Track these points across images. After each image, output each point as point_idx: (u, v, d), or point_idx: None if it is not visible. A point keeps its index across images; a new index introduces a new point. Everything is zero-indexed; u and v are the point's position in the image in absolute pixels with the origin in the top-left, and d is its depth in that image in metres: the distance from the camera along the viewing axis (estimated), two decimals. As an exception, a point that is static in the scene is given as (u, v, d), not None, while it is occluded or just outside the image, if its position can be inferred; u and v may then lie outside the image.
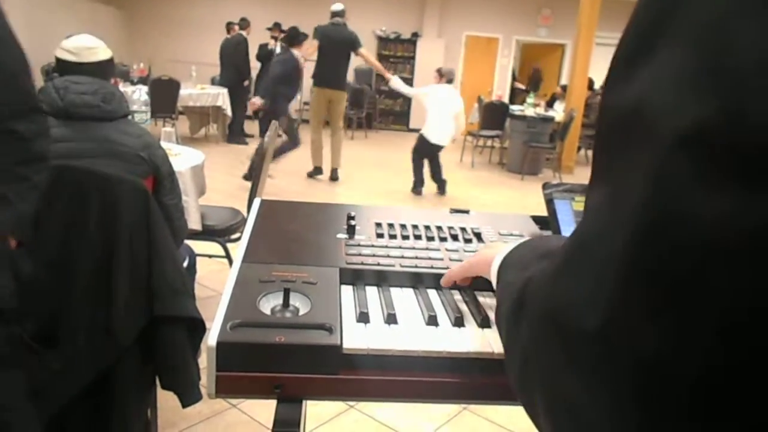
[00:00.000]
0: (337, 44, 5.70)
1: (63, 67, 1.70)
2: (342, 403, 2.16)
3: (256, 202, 0.92)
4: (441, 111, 5.38)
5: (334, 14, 5.84)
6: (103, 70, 1.73)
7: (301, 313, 0.65)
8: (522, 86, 10.01)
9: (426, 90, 5.71)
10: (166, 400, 1.64)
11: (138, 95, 2.91)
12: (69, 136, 1.54)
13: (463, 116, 5.63)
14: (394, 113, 11.40)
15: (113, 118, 1.60)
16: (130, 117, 1.74)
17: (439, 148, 5.51)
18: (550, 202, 0.93)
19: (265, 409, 2.08)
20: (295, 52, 5.62)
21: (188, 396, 1.51)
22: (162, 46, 10.55)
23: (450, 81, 5.58)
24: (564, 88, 8.95)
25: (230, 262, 2.76)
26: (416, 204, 5.49)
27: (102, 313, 1.41)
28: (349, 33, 5.77)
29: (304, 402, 0.64)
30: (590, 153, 7.13)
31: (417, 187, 5.69)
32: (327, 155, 6.13)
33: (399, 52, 11.23)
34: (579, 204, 0.94)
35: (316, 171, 6.15)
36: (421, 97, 5.72)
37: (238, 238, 2.80)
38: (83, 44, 1.71)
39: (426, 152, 5.57)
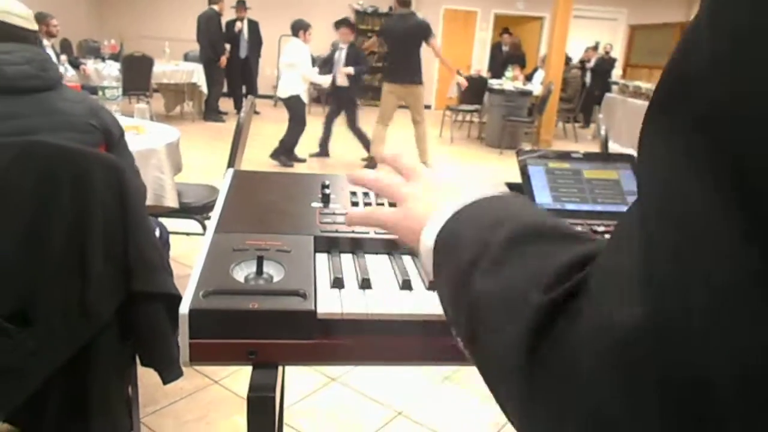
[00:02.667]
0: (404, 36, 5.38)
1: (13, 34, 1.54)
2: (323, 375, 2.18)
3: (229, 172, 0.91)
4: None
5: (401, 3, 5.48)
6: (35, 36, 1.64)
7: (275, 280, 0.65)
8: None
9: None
10: (146, 377, 1.64)
11: (109, 71, 2.83)
12: (14, 112, 1.43)
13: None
14: (373, 89, 11.31)
15: (54, 87, 1.52)
16: (99, 93, 1.68)
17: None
18: (524, 168, 0.93)
19: (246, 384, 2.09)
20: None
21: (169, 373, 1.51)
22: (134, 22, 10.28)
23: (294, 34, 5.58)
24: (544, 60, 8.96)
25: (208, 239, 2.74)
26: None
27: (77, 290, 1.39)
28: (419, 22, 5.44)
29: (281, 369, 0.64)
30: (567, 126, 7.19)
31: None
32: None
33: (376, 26, 11.09)
34: (552, 169, 0.94)
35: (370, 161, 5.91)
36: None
37: (216, 216, 2.78)
38: (27, 10, 1.60)
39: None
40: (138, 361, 1.55)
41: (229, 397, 2.05)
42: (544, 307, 0.31)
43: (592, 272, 0.29)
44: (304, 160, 5.76)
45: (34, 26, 1.61)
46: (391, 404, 2.09)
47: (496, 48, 10.16)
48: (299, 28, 5.48)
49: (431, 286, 0.51)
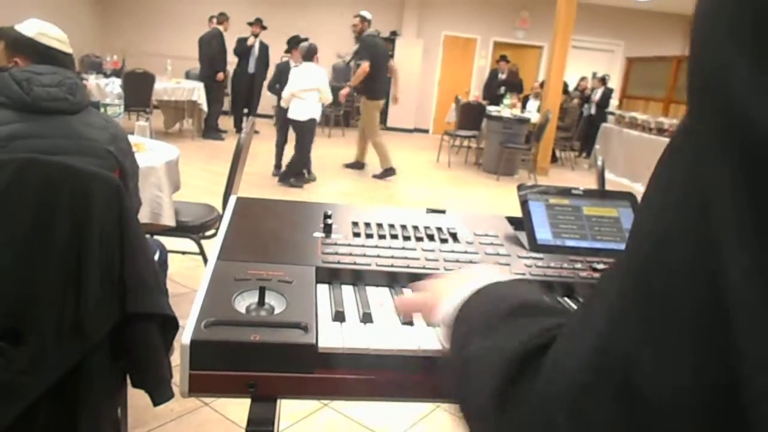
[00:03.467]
0: (385, 56, 5.81)
1: (50, 56, 1.60)
2: (317, 401, 2.16)
3: (232, 199, 0.91)
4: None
5: (370, 22, 5.83)
6: (69, 61, 1.68)
7: (276, 311, 0.65)
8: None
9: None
10: (136, 398, 1.62)
11: (111, 88, 2.85)
12: (36, 132, 1.47)
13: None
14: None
15: (79, 111, 1.55)
16: (101, 110, 1.70)
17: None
18: (525, 204, 0.94)
19: (237, 408, 2.06)
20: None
21: (159, 394, 1.49)
22: (137, 39, 10.37)
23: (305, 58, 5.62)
24: (542, 84, 9.07)
25: (204, 259, 2.72)
26: (389, 201, 5.50)
27: (71, 309, 1.38)
28: (383, 41, 5.75)
29: (278, 401, 0.63)
30: (564, 155, 7.23)
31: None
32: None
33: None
34: (553, 205, 0.95)
35: (389, 171, 6.12)
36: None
37: (213, 235, 2.77)
38: (61, 32, 1.65)
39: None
40: (129, 381, 1.53)
41: (220, 420, 2.03)
42: (517, 356, 0.36)
43: (560, 331, 0.34)
44: (314, 179, 5.85)
45: (69, 50, 1.65)
46: (383, 431, 2.06)
47: (492, 74, 10.29)
48: (313, 52, 5.58)
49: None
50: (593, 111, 9.28)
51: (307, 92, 5.46)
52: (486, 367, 0.39)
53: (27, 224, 1.36)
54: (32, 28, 1.63)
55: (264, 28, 8.05)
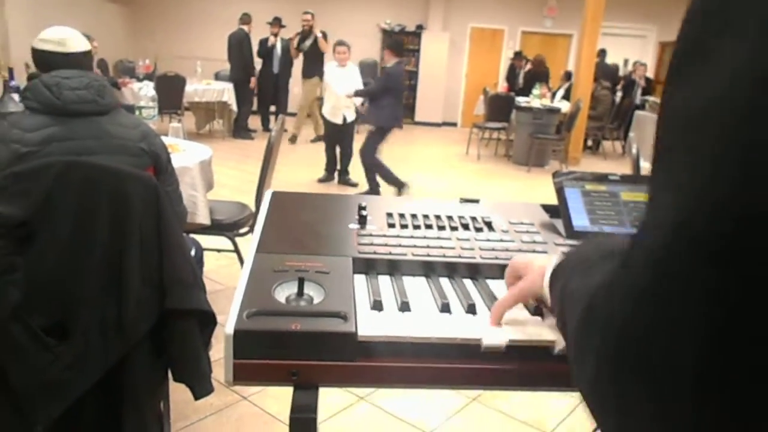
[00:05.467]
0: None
1: (47, 59, 1.64)
2: (352, 395, 2.17)
3: (268, 193, 0.92)
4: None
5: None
6: (87, 60, 1.72)
7: (315, 301, 0.65)
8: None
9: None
10: (178, 392, 1.66)
11: (145, 91, 2.91)
12: (69, 134, 1.52)
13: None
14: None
15: (108, 111, 1.59)
16: (137, 113, 1.74)
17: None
18: (560, 191, 0.93)
19: (275, 401, 2.09)
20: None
21: (200, 388, 1.52)
22: (167, 42, 10.56)
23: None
24: (567, 75, 8.92)
25: (239, 256, 2.77)
26: (419, 194, 5.47)
27: (113, 306, 1.42)
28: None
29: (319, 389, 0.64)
30: (597, 144, 7.06)
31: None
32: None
33: (404, 45, 11.19)
34: (589, 192, 0.94)
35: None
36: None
37: (247, 232, 2.81)
38: (65, 35, 1.67)
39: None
40: (170, 376, 1.57)
41: (258, 414, 2.06)
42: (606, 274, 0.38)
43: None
44: (356, 184, 5.60)
45: (71, 49, 1.69)
46: (419, 424, 2.07)
47: (510, 67, 10.20)
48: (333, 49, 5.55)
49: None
50: (638, 98, 9.09)
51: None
52: (581, 295, 0.43)
53: (69, 225, 1.40)
54: (38, 36, 1.69)
55: (283, 26, 8.11)
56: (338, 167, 5.70)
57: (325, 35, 7.83)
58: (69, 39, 1.68)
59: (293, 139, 7.76)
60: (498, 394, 2.24)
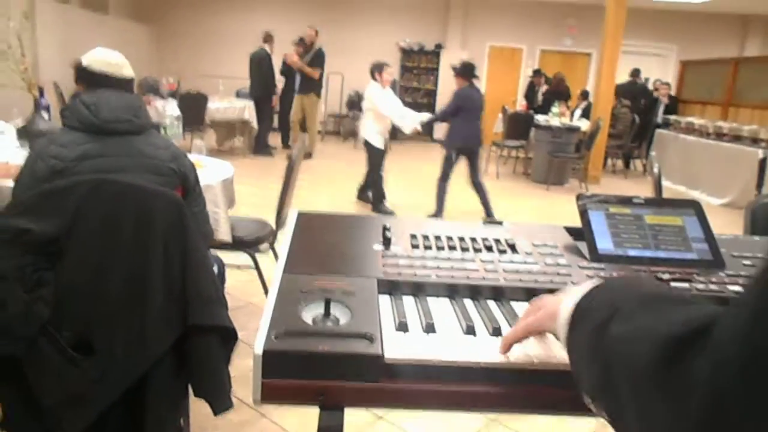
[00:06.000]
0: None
1: (95, 79, 1.70)
2: (371, 414, 2.17)
3: (293, 213, 0.94)
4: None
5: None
6: (131, 85, 1.78)
7: (341, 322, 0.66)
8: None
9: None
10: (198, 407, 1.67)
11: (170, 110, 2.97)
12: (103, 152, 1.57)
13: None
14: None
15: (142, 132, 1.64)
16: (162, 131, 1.78)
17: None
18: (584, 213, 0.93)
19: (293, 418, 2.09)
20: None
21: (220, 404, 1.53)
22: (190, 61, 10.78)
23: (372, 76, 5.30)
24: (584, 94, 8.90)
25: (259, 272, 2.79)
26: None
27: (137, 322, 1.44)
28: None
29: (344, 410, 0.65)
30: (617, 162, 7.00)
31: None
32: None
33: (423, 63, 11.28)
34: (613, 214, 0.94)
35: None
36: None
37: (267, 249, 2.84)
38: (118, 60, 1.75)
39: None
40: (190, 391, 1.58)
41: (277, 430, 2.06)
42: (675, 335, 0.41)
43: (717, 322, 0.39)
44: (392, 213, 5.35)
45: (121, 73, 1.75)
46: (438, 445, 2.05)
47: (529, 85, 10.21)
48: (374, 69, 5.30)
49: (567, 351, 0.58)
50: (660, 116, 9.03)
51: (365, 113, 5.31)
52: (643, 347, 0.43)
53: (97, 242, 1.43)
54: (88, 56, 1.75)
55: (307, 47, 8.20)
56: (364, 184, 5.63)
57: (321, 53, 7.99)
58: (125, 65, 1.74)
59: (308, 156, 7.85)
60: (519, 415, 2.21)
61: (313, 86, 7.97)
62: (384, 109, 5.18)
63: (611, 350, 0.47)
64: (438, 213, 5.31)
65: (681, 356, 0.39)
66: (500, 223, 1.02)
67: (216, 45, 11.05)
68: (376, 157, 5.31)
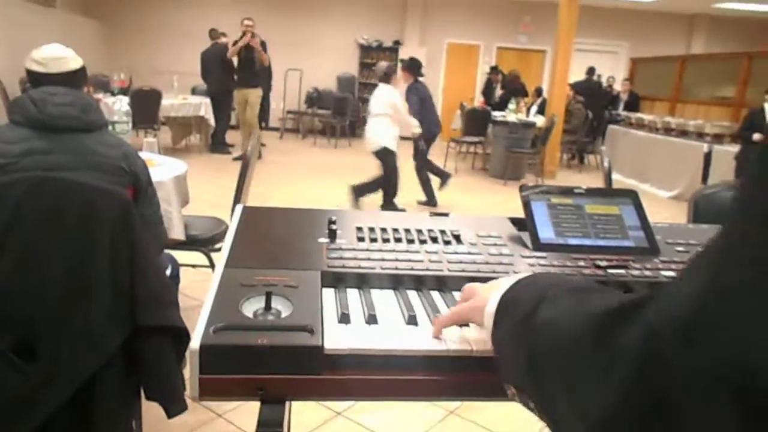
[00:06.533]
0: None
1: (33, 78, 1.69)
2: (328, 410, 2.16)
3: (238, 208, 0.93)
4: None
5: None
6: (75, 79, 1.73)
7: (282, 315, 0.66)
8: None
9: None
10: (151, 410, 1.63)
11: (119, 106, 2.89)
12: (48, 148, 1.53)
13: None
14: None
15: (92, 129, 1.60)
16: (110, 128, 1.74)
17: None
18: (527, 204, 0.95)
19: (251, 419, 2.07)
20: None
21: (173, 407, 1.50)
22: (143, 57, 10.50)
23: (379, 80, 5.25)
24: (538, 91, 9.09)
25: (214, 271, 2.74)
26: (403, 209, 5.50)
27: (83, 323, 1.40)
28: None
29: (288, 403, 0.64)
30: (581, 157, 7.13)
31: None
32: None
33: (381, 59, 11.28)
34: (555, 205, 0.96)
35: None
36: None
37: (222, 247, 2.79)
38: (52, 54, 1.71)
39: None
40: (143, 394, 1.55)
41: (234, 431, 2.04)
42: (610, 310, 0.41)
43: (654, 295, 0.39)
44: (403, 210, 5.27)
45: (78, 64, 1.73)
46: (396, 439, 2.06)
47: (487, 82, 10.35)
48: (388, 72, 5.18)
49: (492, 343, 0.59)
50: (621, 111, 9.28)
51: (380, 117, 5.08)
52: (570, 326, 0.44)
53: (38, 240, 1.39)
54: (30, 57, 1.71)
55: (263, 44, 8.04)
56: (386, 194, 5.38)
57: (264, 45, 7.37)
58: (53, 59, 1.70)
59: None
60: (475, 406, 2.24)
61: (258, 79, 7.36)
62: (406, 112, 5.09)
63: (538, 334, 0.48)
64: (431, 200, 5.57)
65: (610, 329, 0.40)
66: (447, 215, 1.03)
67: (170, 40, 10.79)
68: (393, 161, 5.13)
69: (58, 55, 1.71)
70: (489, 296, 0.61)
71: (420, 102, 5.38)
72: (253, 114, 7.27)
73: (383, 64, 5.31)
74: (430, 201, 5.64)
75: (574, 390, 0.41)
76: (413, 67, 5.49)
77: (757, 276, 0.30)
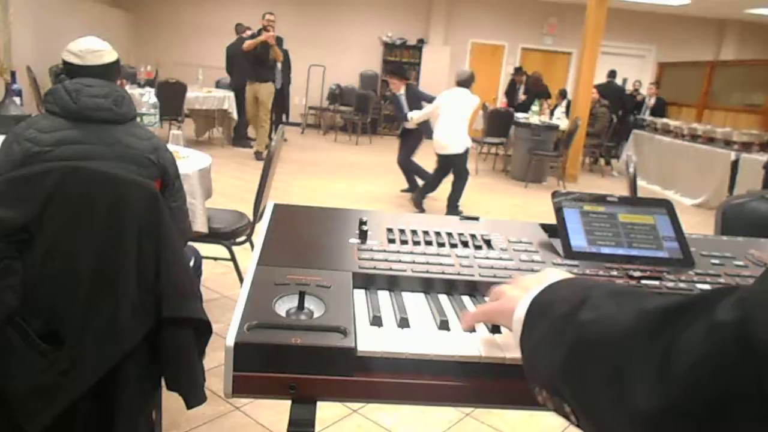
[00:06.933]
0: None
1: (69, 69, 1.73)
2: (345, 407, 2.17)
3: (270, 205, 0.93)
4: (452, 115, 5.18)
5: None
6: (110, 72, 1.76)
7: (315, 315, 0.66)
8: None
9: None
10: (170, 401, 1.65)
11: (147, 98, 2.93)
12: (81, 138, 1.56)
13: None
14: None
15: (124, 121, 1.63)
16: (138, 119, 1.76)
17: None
18: (559, 211, 0.94)
19: (268, 412, 2.08)
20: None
21: (193, 398, 1.52)
22: (169, 49, 10.61)
23: (459, 84, 5.31)
24: (562, 93, 8.99)
25: (236, 265, 2.77)
26: (411, 209, 5.50)
27: (108, 313, 1.42)
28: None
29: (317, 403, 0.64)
30: (607, 161, 7.12)
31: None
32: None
33: (404, 58, 11.27)
34: (587, 212, 0.95)
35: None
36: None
37: (244, 241, 2.81)
38: (88, 47, 1.74)
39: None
40: (163, 384, 1.56)
41: (250, 424, 2.05)
42: (659, 309, 0.40)
43: (706, 296, 0.38)
44: (423, 210, 5.35)
45: (113, 57, 1.78)
46: (412, 439, 2.06)
47: (511, 83, 10.27)
48: (470, 80, 5.37)
49: (521, 346, 0.57)
50: (646, 116, 9.16)
51: (464, 121, 5.23)
52: (623, 321, 0.42)
53: (68, 230, 1.41)
54: (67, 49, 1.76)
55: (279, 39, 8.00)
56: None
57: (280, 41, 7.32)
58: (89, 52, 1.73)
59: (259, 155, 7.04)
60: (492, 410, 2.23)
61: (270, 74, 7.28)
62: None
63: (582, 331, 0.46)
64: (412, 187, 5.75)
65: (668, 324, 0.38)
66: (477, 218, 1.02)
67: (196, 34, 10.88)
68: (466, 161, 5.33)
69: (94, 48, 1.74)
70: (518, 299, 0.59)
71: (418, 102, 5.56)
72: (265, 110, 7.20)
73: (467, 70, 5.51)
74: (412, 187, 5.77)
75: (622, 384, 0.39)
76: (400, 71, 5.73)
77: None
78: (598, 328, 0.44)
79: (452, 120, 5.07)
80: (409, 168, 5.79)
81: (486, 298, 0.79)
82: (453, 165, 5.15)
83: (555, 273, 0.62)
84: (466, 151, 5.18)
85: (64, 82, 1.61)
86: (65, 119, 1.55)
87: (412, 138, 5.67)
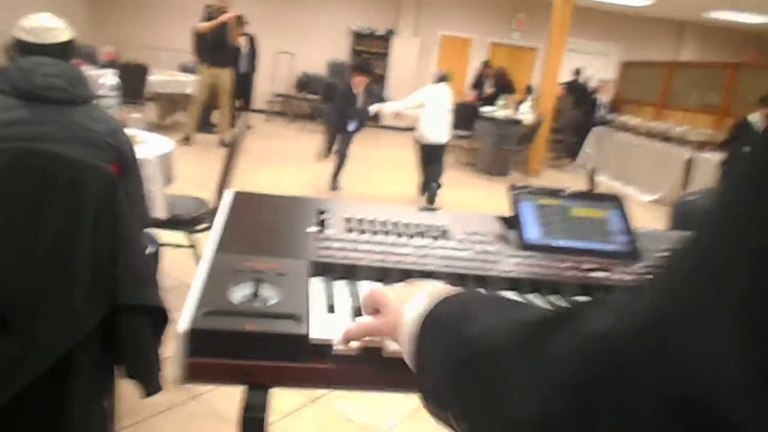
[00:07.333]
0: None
1: (22, 47, 1.66)
2: (304, 396, 2.17)
3: (229, 193, 0.92)
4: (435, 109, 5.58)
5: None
6: (65, 51, 1.70)
7: (270, 303, 0.66)
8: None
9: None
10: (127, 389, 1.63)
11: (105, 79, 2.85)
12: (34, 119, 1.51)
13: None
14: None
15: (79, 102, 1.58)
16: (95, 102, 1.71)
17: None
18: (515, 203, 0.96)
19: (225, 401, 2.08)
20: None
21: (149, 386, 1.50)
22: (131, 31, 10.31)
23: (440, 79, 5.73)
24: (529, 88, 9.12)
25: (195, 252, 2.73)
26: (382, 199, 5.51)
27: (61, 298, 1.39)
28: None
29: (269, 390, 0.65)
30: (553, 157, 7.25)
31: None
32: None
33: (373, 48, 11.23)
34: (542, 206, 0.97)
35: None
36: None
37: (204, 229, 2.78)
38: (42, 24, 1.68)
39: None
40: (117, 373, 1.54)
41: (208, 413, 2.04)
42: (540, 318, 0.40)
43: (583, 307, 0.37)
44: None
45: (66, 37, 1.71)
46: (371, 426, 2.08)
47: (478, 77, 10.36)
48: (448, 78, 5.82)
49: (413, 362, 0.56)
50: (603, 113, 9.35)
51: (448, 114, 5.69)
52: (498, 334, 0.42)
53: (19, 213, 1.37)
54: (19, 25, 1.68)
55: (246, 22, 7.85)
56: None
57: (240, 20, 7.02)
58: (44, 30, 1.67)
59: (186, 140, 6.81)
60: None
61: (230, 58, 6.97)
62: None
63: (469, 348, 0.45)
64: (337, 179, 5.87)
65: (540, 335, 0.38)
66: (435, 209, 1.04)
67: (159, 15, 10.60)
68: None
69: (49, 26, 1.68)
70: (402, 313, 0.56)
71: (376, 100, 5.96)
72: (227, 96, 6.98)
73: (441, 71, 5.94)
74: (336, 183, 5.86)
75: (498, 397, 0.39)
76: (367, 67, 5.93)
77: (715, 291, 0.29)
78: (483, 341, 0.44)
79: (438, 112, 5.55)
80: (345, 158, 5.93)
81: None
82: (437, 154, 5.62)
83: (432, 284, 0.60)
84: (448, 142, 5.70)
85: (17, 60, 1.55)
86: (17, 99, 1.50)
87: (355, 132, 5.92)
